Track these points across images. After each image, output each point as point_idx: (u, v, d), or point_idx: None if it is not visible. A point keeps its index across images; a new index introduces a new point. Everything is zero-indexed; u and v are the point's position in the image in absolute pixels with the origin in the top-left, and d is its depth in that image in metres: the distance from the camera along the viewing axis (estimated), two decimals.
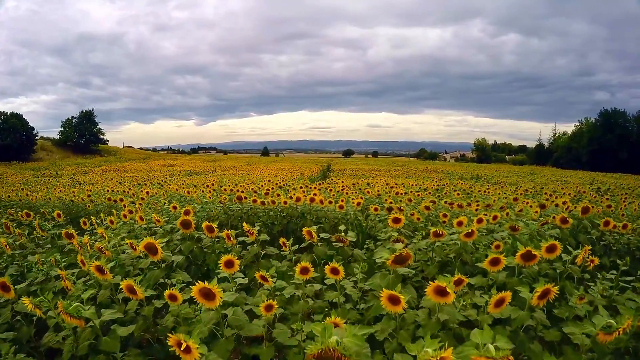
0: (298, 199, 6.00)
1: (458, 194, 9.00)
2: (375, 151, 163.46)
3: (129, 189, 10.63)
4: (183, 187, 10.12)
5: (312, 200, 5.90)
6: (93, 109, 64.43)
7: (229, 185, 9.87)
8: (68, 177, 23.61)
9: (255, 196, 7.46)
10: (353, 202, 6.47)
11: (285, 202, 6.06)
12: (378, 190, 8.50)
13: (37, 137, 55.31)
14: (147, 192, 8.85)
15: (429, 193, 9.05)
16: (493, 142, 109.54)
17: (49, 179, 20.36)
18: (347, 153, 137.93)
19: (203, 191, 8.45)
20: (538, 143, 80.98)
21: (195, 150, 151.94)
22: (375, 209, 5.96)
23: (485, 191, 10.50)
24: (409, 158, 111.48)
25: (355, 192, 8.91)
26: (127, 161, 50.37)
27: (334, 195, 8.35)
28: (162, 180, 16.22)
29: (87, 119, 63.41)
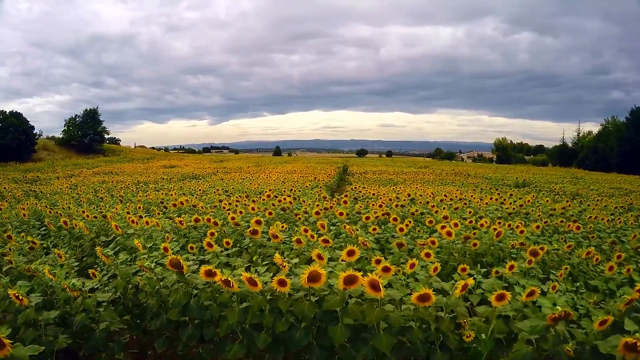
0: (314, 277, 2.39)
1: (577, 227, 5.31)
2: (389, 151, 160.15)
3: (58, 212, 7.19)
4: (137, 211, 6.64)
5: (350, 280, 2.33)
6: (97, 107, 61.71)
7: (199, 213, 6.28)
8: (42, 181, 20.43)
9: (230, 239, 3.96)
10: (431, 269, 2.90)
11: (282, 283, 2.47)
12: (453, 222, 4.81)
13: (37, 137, 52.92)
14: (65, 223, 5.37)
15: (539, 229, 5.31)
16: (509, 142, 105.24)
17: (11, 187, 17.02)
18: (361, 153, 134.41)
19: (148, 223, 4.91)
20: (561, 143, 77.41)
21: (207, 149, 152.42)
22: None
23: (594, 217, 6.78)
24: (424, 158, 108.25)
25: (408, 222, 5.20)
26: (131, 161, 47.39)
27: (374, 229, 4.72)
28: (138, 190, 12.79)
29: (91, 117, 60.66)
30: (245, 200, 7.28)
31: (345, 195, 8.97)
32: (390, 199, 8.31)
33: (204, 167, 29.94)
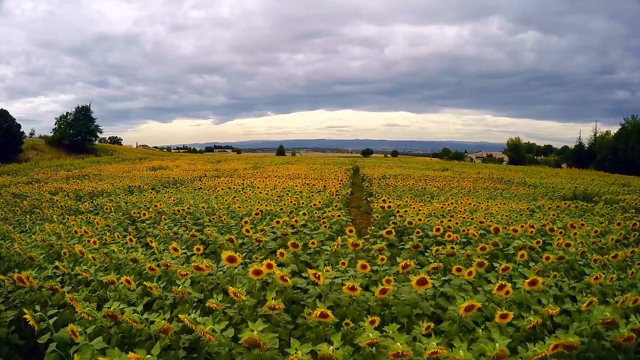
0: None
1: None
2: (394, 150, 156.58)
3: None
4: None
5: None
6: (90, 104, 57.69)
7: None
8: None
9: None
10: None
11: None
12: None
13: (29, 135, 49.36)
14: None
15: None
16: (522, 142, 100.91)
17: None
18: (367, 152, 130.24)
19: None
20: (577, 143, 73.44)
21: (210, 149, 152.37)
22: None
23: None
24: (431, 158, 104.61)
25: None
26: (122, 161, 43.56)
27: None
28: (72, 210, 8.86)
29: (84, 115, 56.67)
30: (190, 270, 3.28)
31: (388, 233, 4.99)
32: (485, 246, 4.30)
33: (195, 169, 25.97)
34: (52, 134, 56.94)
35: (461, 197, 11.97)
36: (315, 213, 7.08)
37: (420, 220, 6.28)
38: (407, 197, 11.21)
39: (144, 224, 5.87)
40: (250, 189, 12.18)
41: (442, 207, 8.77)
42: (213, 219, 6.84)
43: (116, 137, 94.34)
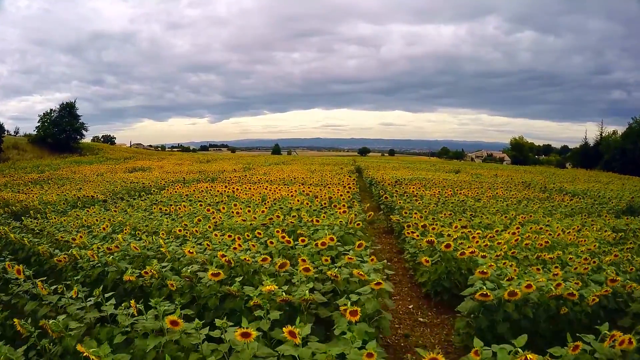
0: None
1: None
2: (391, 149, 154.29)
3: None
4: None
5: None
6: (75, 101, 54.42)
7: None
8: None
9: None
10: None
11: None
12: None
13: (3, 134, 46.14)
14: None
15: None
16: (527, 141, 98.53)
17: None
18: (363, 151, 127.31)
19: None
20: (583, 143, 70.95)
21: (205, 147, 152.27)
22: None
23: None
24: (429, 157, 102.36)
25: None
26: (105, 161, 40.53)
27: None
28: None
29: (68, 112, 53.40)
30: None
31: None
32: None
33: (178, 171, 22.87)
34: (35, 132, 53.86)
35: (513, 213, 8.95)
36: (325, 263, 4.04)
37: (528, 287, 3.25)
38: (445, 215, 8.18)
39: None
40: (228, 204, 9.05)
41: (515, 241, 5.73)
42: (143, 275, 3.82)
43: (110, 135, 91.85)
